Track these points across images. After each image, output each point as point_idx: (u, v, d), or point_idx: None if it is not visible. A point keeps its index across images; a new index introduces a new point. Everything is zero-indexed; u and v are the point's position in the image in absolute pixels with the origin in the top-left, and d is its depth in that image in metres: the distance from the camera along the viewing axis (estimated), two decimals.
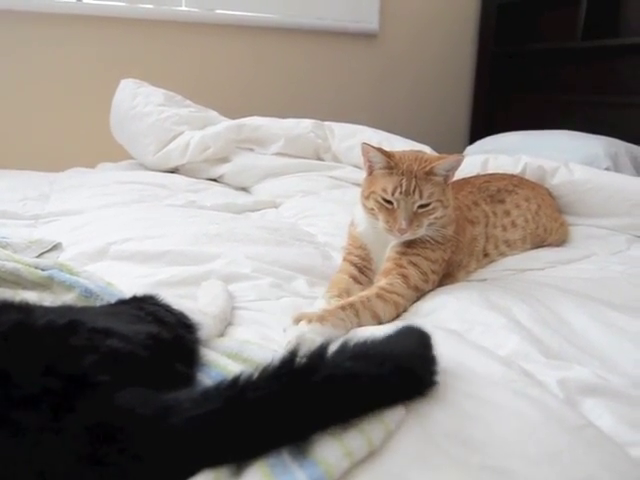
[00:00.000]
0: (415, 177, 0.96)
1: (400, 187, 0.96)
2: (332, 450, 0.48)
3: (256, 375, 0.51)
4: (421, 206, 0.97)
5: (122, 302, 0.70)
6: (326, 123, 2.01)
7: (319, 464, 0.47)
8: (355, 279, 1.01)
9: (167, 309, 0.69)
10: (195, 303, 0.85)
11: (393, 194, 0.96)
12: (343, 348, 0.53)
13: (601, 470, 0.51)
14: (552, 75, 2.81)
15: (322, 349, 0.53)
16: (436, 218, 0.99)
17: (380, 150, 0.99)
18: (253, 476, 0.46)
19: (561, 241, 1.38)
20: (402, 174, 0.97)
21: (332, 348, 0.53)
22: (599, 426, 0.59)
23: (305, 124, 1.96)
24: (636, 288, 1.03)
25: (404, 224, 0.95)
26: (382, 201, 0.98)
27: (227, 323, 0.83)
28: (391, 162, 0.98)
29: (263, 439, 0.49)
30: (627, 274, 1.12)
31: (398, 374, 0.54)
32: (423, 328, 0.63)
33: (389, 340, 0.57)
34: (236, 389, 0.50)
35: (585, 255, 1.28)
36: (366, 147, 0.99)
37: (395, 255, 1.00)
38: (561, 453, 0.52)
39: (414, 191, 0.96)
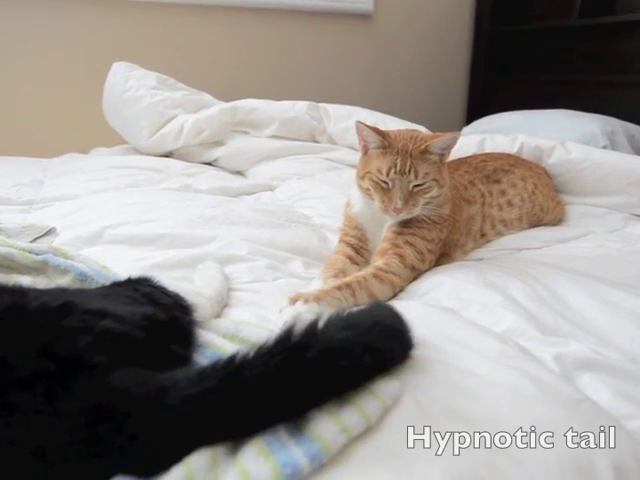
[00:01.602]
0: (410, 156, 0.95)
1: (395, 167, 0.95)
2: (329, 426, 0.48)
3: (252, 354, 0.51)
4: (417, 185, 0.96)
5: (117, 284, 0.70)
6: (321, 105, 1.99)
7: (316, 440, 0.47)
8: (351, 259, 1.01)
9: (162, 291, 0.69)
10: (191, 285, 0.85)
11: (388, 174, 0.96)
12: (333, 320, 0.53)
13: (597, 445, 0.52)
14: (549, 54, 2.78)
15: (313, 324, 0.53)
16: (432, 197, 0.98)
17: (374, 129, 0.98)
18: (250, 453, 0.46)
19: (558, 220, 1.38)
20: (397, 153, 0.96)
21: (322, 322, 0.53)
22: (595, 400, 0.59)
23: (300, 106, 1.94)
24: (633, 265, 1.04)
25: (400, 204, 0.95)
26: (377, 181, 0.97)
27: (223, 305, 0.82)
28: (386, 141, 0.98)
29: (259, 417, 0.49)
30: (624, 252, 1.12)
31: (388, 339, 0.55)
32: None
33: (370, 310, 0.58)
34: (232, 368, 0.50)
35: (582, 234, 1.28)
36: (360, 126, 0.98)
37: (391, 235, 1.00)
38: (557, 427, 0.53)
39: (409, 170, 0.95)
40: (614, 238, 1.24)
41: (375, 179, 0.97)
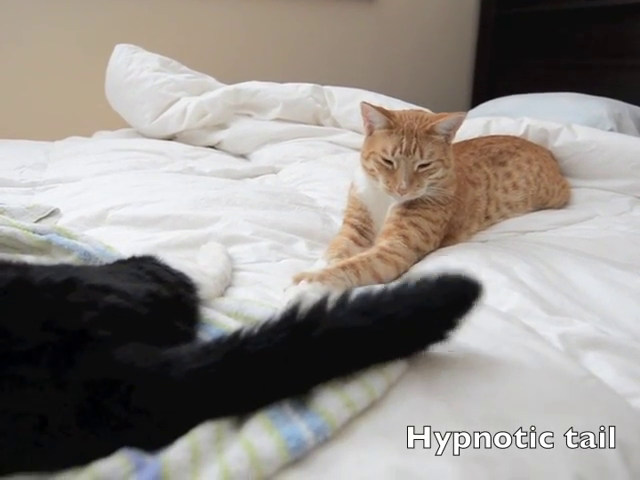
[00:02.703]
0: (415, 136, 0.95)
1: (400, 147, 0.94)
2: (333, 401, 0.48)
3: (257, 330, 0.51)
4: (422, 166, 0.96)
5: (121, 262, 0.70)
6: (325, 87, 1.97)
7: (320, 415, 0.47)
8: (355, 241, 1.00)
9: (166, 269, 0.69)
10: (195, 264, 0.84)
11: (393, 154, 0.95)
12: (342, 303, 0.53)
13: (602, 420, 0.51)
14: (556, 37, 2.75)
15: (322, 304, 0.52)
16: (437, 178, 0.98)
17: (380, 109, 0.97)
18: (254, 427, 0.46)
19: (563, 203, 1.37)
20: (402, 133, 0.95)
21: (331, 303, 0.53)
22: (600, 378, 0.59)
23: (304, 88, 1.93)
24: (638, 247, 1.03)
25: (404, 184, 0.94)
26: (382, 161, 0.97)
27: (227, 284, 0.82)
28: (391, 121, 0.97)
29: (264, 391, 0.49)
30: (630, 234, 1.11)
31: (399, 331, 0.53)
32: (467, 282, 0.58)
33: (398, 293, 0.54)
34: (237, 343, 0.50)
35: (587, 217, 1.27)
36: (365, 106, 0.98)
37: (396, 216, 0.99)
38: (562, 404, 0.53)
39: (414, 150, 0.94)
40: (620, 221, 1.23)
41: (380, 159, 0.97)
